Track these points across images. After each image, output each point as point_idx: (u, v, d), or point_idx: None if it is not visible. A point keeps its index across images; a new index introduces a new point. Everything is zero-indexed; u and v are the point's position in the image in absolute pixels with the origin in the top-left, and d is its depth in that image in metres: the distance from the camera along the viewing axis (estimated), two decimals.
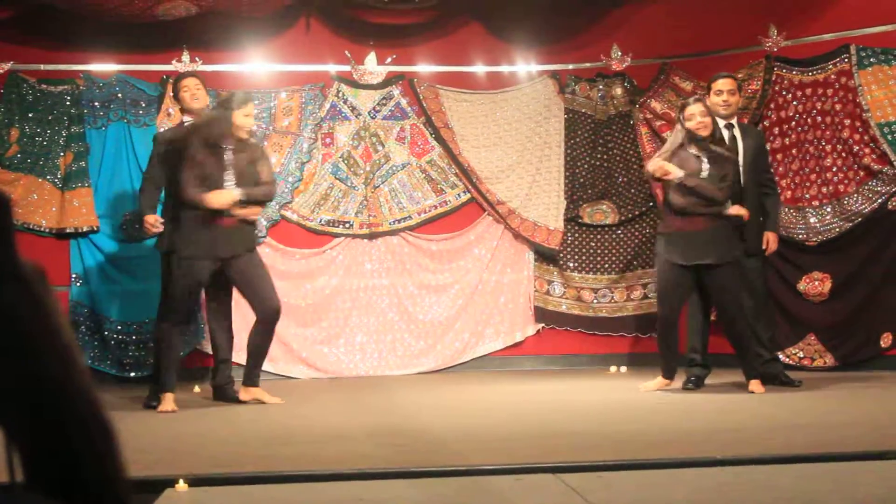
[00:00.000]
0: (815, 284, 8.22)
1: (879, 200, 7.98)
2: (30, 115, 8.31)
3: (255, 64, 8.76)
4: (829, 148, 8.25)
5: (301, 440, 5.15)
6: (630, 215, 9.06)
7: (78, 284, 8.26)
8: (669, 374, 7.07)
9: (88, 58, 8.51)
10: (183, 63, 8.60)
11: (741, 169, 7.20)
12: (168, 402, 6.50)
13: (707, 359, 7.27)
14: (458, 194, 9.01)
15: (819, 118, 8.30)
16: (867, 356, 8.04)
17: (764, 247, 7.25)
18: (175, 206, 6.79)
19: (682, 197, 6.84)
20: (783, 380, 7.19)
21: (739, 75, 8.58)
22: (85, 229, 8.27)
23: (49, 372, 1.16)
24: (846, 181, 8.16)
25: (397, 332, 8.75)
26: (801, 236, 8.28)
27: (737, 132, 7.31)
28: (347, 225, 8.72)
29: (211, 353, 8.36)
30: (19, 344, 1.15)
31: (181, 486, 3.80)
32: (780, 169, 8.34)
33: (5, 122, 8.26)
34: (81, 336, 8.19)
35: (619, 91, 9.12)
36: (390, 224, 8.83)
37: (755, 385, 6.88)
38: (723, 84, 7.30)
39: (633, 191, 9.08)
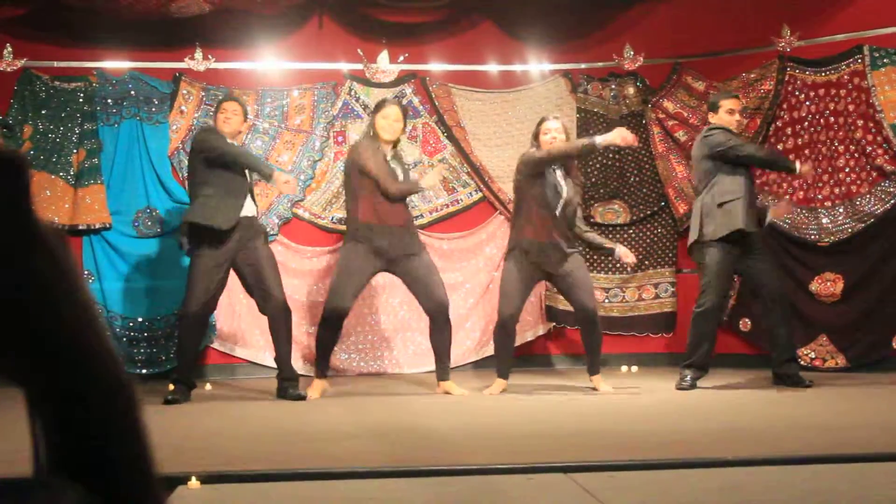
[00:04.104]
0: (828, 285, 8.21)
1: (892, 201, 7.97)
2: (43, 111, 8.33)
3: (268, 62, 8.78)
4: (841, 148, 8.24)
5: (313, 438, 5.15)
6: (642, 215, 9.06)
7: (90, 281, 8.27)
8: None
9: (102, 55, 8.54)
10: (196, 60, 8.62)
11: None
12: None
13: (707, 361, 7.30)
14: (470, 193, 9.02)
15: (832, 119, 8.29)
16: (879, 357, 8.03)
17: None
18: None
19: None
20: (794, 381, 7.17)
21: (752, 75, 8.59)
22: (97, 226, 8.28)
23: (67, 327, 1.17)
24: (859, 182, 8.15)
25: (408, 330, 8.76)
26: (813, 237, 8.27)
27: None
28: None
29: (226, 351, 8.44)
30: (40, 301, 1.15)
31: (193, 483, 3.81)
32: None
33: (18, 118, 8.29)
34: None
35: (631, 91, 9.12)
36: None
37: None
38: (738, 104, 7.37)
39: (644, 190, 9.08)
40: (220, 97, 7.66)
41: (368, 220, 7.01)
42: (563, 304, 8.86)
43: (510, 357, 7.33)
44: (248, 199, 7.02)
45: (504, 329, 7.22)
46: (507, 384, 7.21)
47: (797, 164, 7.31)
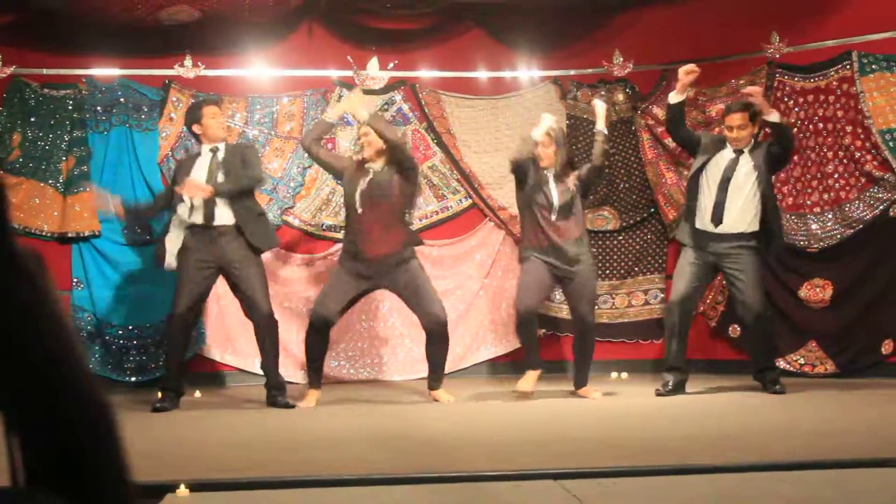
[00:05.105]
0: (816, 291, 8.22)
1: (881, 207, 7.98)
2: (32, 119, 8.32)
3: (258, 69, 8.77)
4: (830, 154, 8.25)
5: (303, 445, 5.15)
6: (631, 221, 9.06)
7: (79, 289, 8.26)
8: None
9: (91, 62, 8.52)
10: (185, 68, 8.62)
11: (755, 189, 7.21)
12: None
13: (686, 364, 7.30)
14: (460, 200, 9.02)
15: (821, 125, 8.30)
16: (868, 363, 8.03)
17: None
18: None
19: None
20: (771, 388, 7.15)
21: (741, 81, 8.59)
22: (86, 234, 8.27)
23: (48, 353, 1.17)
24: (848, 188, 8.16)
25: (398, 337, 8.75)
26: (802, 243, 8.28)
27: (743, 159, 7.27)
28: None
29: (215, 359, 8.45)
30: (20, 327, 1.16)
31: (182, 491, 3.80)
32: (782, 175, 8.32)
33: (8, 126, 8.27)
34: (82, 340, 8.19)
35: (620, 97, 9.12)
36: None
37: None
38: (731, 120, 7.28)
39: (634, 197, 9.08)
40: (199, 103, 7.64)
41: (349, 238, 7.19)
42: (555, 311, 8.88)
43: (537, 346, 7.34)
44: (222, 206, 6.99)
45: (523, 324, 7.23)
46: (540, 372, 7.26)
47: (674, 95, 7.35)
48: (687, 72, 7.24)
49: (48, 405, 1.17)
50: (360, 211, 7.04)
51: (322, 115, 7.37)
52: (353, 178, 7.11)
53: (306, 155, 8.66)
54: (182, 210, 6.95)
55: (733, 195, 7.19)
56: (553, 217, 7.12)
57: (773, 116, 7.16)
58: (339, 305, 7.13)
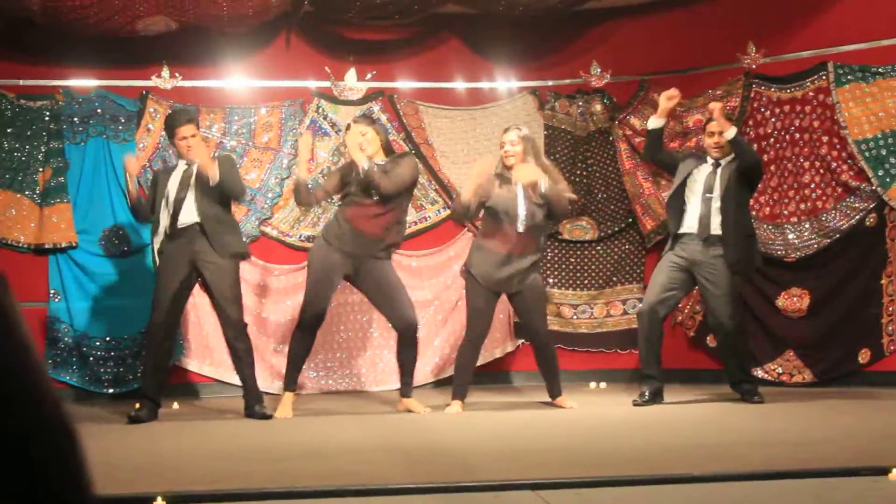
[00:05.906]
0: (794, 300, 8.25)
1: (857, 217, 8.02)
2: (8, 130, 8.27)
3: (235, 80, 8.76)
4: (807, 165, 8.29)
5: (281, 457, 5.14)
6: (609, 231, 9.08)
7: (56, 300, 8.22)
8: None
9: (68, 73, 8.49)
10: (163, 79, 8.59)
11: (719, 200, 7.19)
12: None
13: (660, 372, 7.29)
14: (438, 210, 9.02)
15: (797, 135, 8.34)
16: (846, 372, 8.06)
17: None
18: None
19: None
20: (749, 399, 7.16)
21: (718, 92, 8.63)
22: (63, 245, 8.23)
23: (8, 372, 1.16)
24: (824, 198, 8.20)
25: (377, 347, 8.74)
26: (779, 252, 8.31)
27: (720, 171, 7.25)
28: None
29: (193, 370, 8.42)
30: None
31: (160, 503, 3.79)
32: (759, 185, 8.35)
33: None
34: (60, 352, 8.16)
35: (598, 108, 9.14)
36: None
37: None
38: (712, 126, 7.30)
39: (612, 207, 9.10)
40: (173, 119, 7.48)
41: (339, 219, 7.11)
42: None
43: (470, 377, 7.30)
44: (185, 206, 6.95)
45: (469, 351, 7.20)
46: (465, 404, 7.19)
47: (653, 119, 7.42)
48: (668, 97, 7.27)
49: (5, 421, 1.16)
50: (359, 196, 7.02)
51: (296, 175, 7.41)
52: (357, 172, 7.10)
53: (285, 166, 8.67)
54: (163, 217, 6.97)
55: (714, 206, 7.21)
56: (519, 229, 7.03)
57: (729, 133, 7.18)
58: (327, 302, 7.16)
